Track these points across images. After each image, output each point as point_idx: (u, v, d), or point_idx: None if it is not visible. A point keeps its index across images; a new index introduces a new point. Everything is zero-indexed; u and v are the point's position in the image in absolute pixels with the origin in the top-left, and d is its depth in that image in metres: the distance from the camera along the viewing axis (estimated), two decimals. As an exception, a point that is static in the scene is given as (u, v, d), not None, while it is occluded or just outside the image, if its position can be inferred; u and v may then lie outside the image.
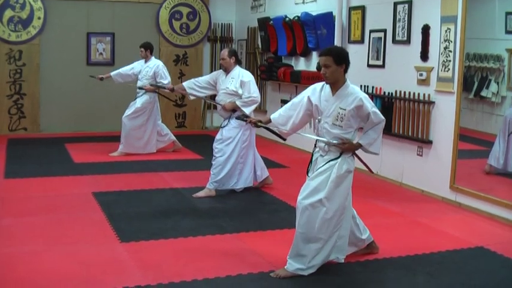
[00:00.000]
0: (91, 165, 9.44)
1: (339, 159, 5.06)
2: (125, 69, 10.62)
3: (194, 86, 8.02)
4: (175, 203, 7.39)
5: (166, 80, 10.21)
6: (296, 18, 10.85)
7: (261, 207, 7.31)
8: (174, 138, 10.79)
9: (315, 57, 10.68)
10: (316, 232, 4.97)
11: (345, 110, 5.05)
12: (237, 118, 6.45)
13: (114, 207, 7.08)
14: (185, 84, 8.06)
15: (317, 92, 5.23)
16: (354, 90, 5.13)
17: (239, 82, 7.64)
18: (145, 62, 10.47)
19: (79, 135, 12.31)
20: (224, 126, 7.77)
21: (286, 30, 11.23)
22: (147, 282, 4.82)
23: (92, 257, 5.38)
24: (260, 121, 5.53)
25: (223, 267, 5.18)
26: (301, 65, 11.24)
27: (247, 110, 7.58)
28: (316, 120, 5.23)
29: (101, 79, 10.58)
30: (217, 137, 7.81)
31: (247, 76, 7.72)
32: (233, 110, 7.67)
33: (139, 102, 10.34)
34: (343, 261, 5.33)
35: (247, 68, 13.15)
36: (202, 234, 6.13)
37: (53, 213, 6.81)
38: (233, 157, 7.70)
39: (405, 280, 5.06)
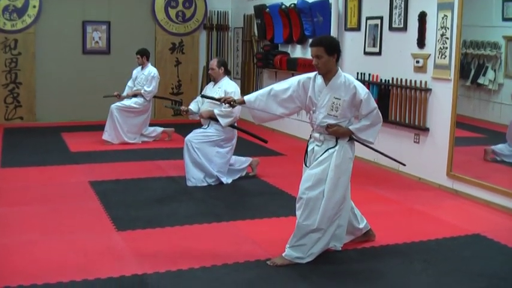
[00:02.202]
0: (87, 154, 9.44)
1: (337, 147, 5.04)
2: (130, 82, 10.74)
3: (197, 106, 7.99)
4: (172, 191, 7.39)
5: (149, 87, 10.44)
6: (292, 5, 10.81)
7: (257, 195, 7.30)
8: (161, 128, 10.84)
9: (311, 45, 10.64)
10: (318, 223, 4.97)
11: (339, 99, 5.01)
12: (204, 96, 6.47)
13: (111, 195, 7.08)
14: (191, 106, 8.02)
15: (307, 84, 5.18)
16: (347, 79, 5.07)
17: (224, 92, 7.64)
18: (142, 68, 10.60)
19: (75, 124, 12.30)
20: (205, 129, 7.80)
21: (282, 18, 11.19)
22: (144, 270, 4.82)
23: (89, 246, 5.38)
24: (234, 101, 5.44)
25: (219, 256, 5.18)
26: (297, 52, 11.21)
27: (223, 121, 7.56)
28: (311, 111, 5.21)
29: (118, 96, 10.66)
30: (196, 130, 7.84)
31: (232, 87, 7.74)
32: (211, 119, 7.68)
33: (133, 101, 10.46)
34: (340, 249, 5.33)
35: (244, 56, 13.18)
36: (199, 222, 6.13)
37: (50, 203, 6.80)
38: (210, 158, 7.67)
39: (402, 267, 5.06)
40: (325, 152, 5.06)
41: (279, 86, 5.29)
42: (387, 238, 5.70)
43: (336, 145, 5.05)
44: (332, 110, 5.04)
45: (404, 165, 6.06)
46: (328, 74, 5.07)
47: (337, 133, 5.05)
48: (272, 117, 5.37)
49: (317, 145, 5.14)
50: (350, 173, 5.16)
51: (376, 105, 5.10)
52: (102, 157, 9.26)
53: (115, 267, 4.89)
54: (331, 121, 5.04)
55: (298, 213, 5.05)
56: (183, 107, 8.04)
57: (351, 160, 5.13)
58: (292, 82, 5.24)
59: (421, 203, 7.10)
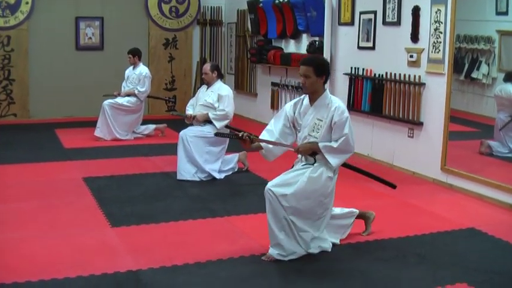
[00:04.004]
0: (81, 151, 9.41)
1: (316, 164, 5.05)
2: (124, 83, 10.74)
3: (193, 109, 8.04)
4: (166, 187, 7.38)
5: (143, 88, 10.46)
6: (286, 0, 10.79)
7: (252, 190, 7.30)
8: (153, 126, 10.87)
9: (304, 40, 10.65)
10: (282, 223, 4.97)
11: (321, 121, 5.02)
12: (218, 134, 5.92)
13: (105, 192, 7.07)
14: (189, 111, 8.03)
15: (296, 105, 5.22)
16: (331, 101, 5.06)
17: (217, 95, 7.75)
18: (134, 68, 10.60)
19: (69, 121, 12.26)
20: (202, 126, 7.84)
21: (276, 13, 11.17)
22: (138, 266, 4.81)
23: (83, 242, 5.37)
24: (251, 138, 5.15)
25: (214, 251, 5.18)
26: (291, 47, 11.19)
27: (218, 125, 7.68)
28: (297, 131, 5.24)
29: (117, 95, 10.62)
30: (192, 127, 7.91)
31: (225, 90, 7.85)
32: (206, 121, 7.78)
33: (126, 99, 10.47)
34: (339, 242, 5.38)
35: (237, 51, 13.16)
36: (193, 218, 6.13)
37: (43, 199, 6.78)
38: (202, 154, 7.73)
39: (396, 262, 5.07)
40: (303, 165, 5.12)
41: (277, 122, 5.25)
42: (381, 232, 5.71)
43: (314, 162, 5.07)
44: (313, 130, 5.06)
45: (394, 187, 6.02)
46: (314, 95, 5.09)
47: (305, 149, 5.06)
48: (285, 149, 5.35)
49: (301, 161, 5.20)
50: (329, 192, 5.10)
51: (349, 132, 4.98)
52: (96, 153, 9.24)
53: (109, 263, 4.89)
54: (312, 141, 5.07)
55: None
56: (188, 113, 8.00)
57: (330, 179, 5.07)
58: (286, 110, 5.25)
59: (415, 197, 7.11)
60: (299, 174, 5.02)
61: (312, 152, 5.06)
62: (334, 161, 5.00)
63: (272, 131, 5.25)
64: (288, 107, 5.26)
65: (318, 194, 5.01)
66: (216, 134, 5.61)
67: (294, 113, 5.20)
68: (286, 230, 4.97)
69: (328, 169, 5.04)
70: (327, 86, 5.22)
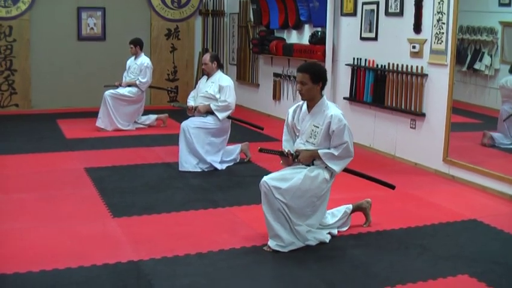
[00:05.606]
0: (83, 141, 9.41)
1: (312, 166, 5.10)
2: (126, 73, 10.75)
3: (194, 101, 8.04)
4: (168, 177, 7.37)
5: (144, 78, 10.45)
6: (288, -9, 10.77)
7: (253, 181, 7.24)
8: (155, 116, 10.86)
9: (307, 30, 10.62)
10: (277, 214, 4.98)
11: (318, 127, 5.07)
12: (262, 150, 5.42)
13: (107, 182, 7.07)
14: (191, 103, 8.03)
15: (295, 111, 5.28)
16: (328, 107, 5.10)
17: (218, 86, 7.75)
18: (135, 58, 10.62)
19: (71, 111, 12.24)
20: (204, 117, 7.83)
21: (278, 3, 11.15)
22: (140, 257, 4.81)
23: (84, 233, 5.37)
24: (294, 155, 5.18)
25: (216, 241, 5.18)
26: (293, 38, 11.17)
27: (221, 116, 7.70)
28: (296, 137, 5.29)
29: (119, 85, 10.63)
30: (193, 118, 7.88)
31: (226, 81, 7.84)
32: (208, 113, 7.77)
33: (127, 90, 10.46)
34: (336, 233, 5.37)
35: (239, 42, 13.12)
36: (195, 208, 6.13)
37: (45, 190, 6.78)
38: (204, 145, 7.72)
39: (398, 252, 5.07)
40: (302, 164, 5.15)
41: (288, 129, 5.38)
42: (383, 223, 5.72)
43: (312, 164, 5.11)
44: (311, 137, 5.11)
45: (393, 188, 6.00)
46: (311, 101, 5.14)
47: (305, 158, 5.09)
48: None
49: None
50: (321, 194, 5.12)
51: (348, 139, 5.05)
52: (97, 144, 9.24)
53: (111, 253, 4.89)
54: (310, 148, 5.10)
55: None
56: (189, 105, 7.98)
57: (326, 181, 5.10)
58: (288, 117, 5.35)
59: (417, 188, 7.10)
60: (297, 172, 5.05)
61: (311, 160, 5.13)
62: (338, 167, 5.09)
63: (290, 140, 5.36)
64: (289, 114, 5.34)
65: (311, 193, 5.04)
66: (260, 150, 5.53)
67: (293, 119, 5.27)
68: (282, 221, 4.99)
69: (326, 171, 5.09)
70: (329, 89, 5.22)
